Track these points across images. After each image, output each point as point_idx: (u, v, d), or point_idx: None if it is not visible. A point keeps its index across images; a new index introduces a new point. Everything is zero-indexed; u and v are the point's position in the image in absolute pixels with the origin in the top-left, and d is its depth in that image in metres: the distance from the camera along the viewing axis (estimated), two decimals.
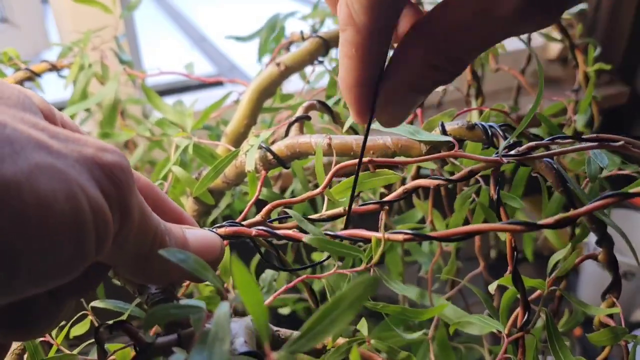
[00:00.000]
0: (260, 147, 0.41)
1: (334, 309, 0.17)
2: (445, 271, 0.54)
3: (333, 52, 0.60)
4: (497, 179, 0.31)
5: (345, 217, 0.32)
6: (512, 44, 1.17)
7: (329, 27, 0.69)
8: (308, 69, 0.59)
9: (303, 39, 0.60)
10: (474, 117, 0.54)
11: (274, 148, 0.41)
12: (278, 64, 0.54)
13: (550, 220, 0.24)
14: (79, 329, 0.38)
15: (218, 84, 1.02)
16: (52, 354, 0.34)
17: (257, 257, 0.66)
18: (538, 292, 0.37)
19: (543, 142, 0.32)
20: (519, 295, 0.33)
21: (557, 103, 0.65)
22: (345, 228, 0.31)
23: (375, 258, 0.26)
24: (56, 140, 0.21)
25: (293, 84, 0.63)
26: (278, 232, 0.29)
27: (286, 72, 0.55)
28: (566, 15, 0.65)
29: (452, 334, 0.36)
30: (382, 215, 0.34)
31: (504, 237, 0.65)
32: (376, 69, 0.28)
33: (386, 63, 0.28)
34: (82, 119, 0.69)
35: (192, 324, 0.21)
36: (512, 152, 0.32)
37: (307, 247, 0.69)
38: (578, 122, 0.62)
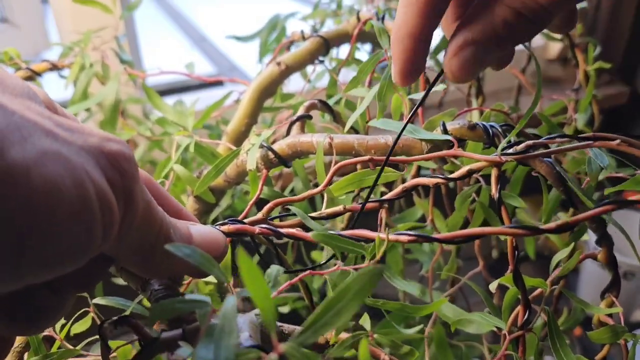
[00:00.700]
0: (261, 146, 0.41)
1: (338, 301, 0.17)
2: (445, 270, 0.55)
3: (333, 52, 0.60)
4: (498, 178, 0.32)
5: (344, 216, 0.32)
6: None
7: (329, 27, 0.69)
8: (309, 69, 0.60)
9: (304, 38, 0.60)
10: (475, 117, 0.54)
11: (275, 147, 0.41)
12: (279, 64, 0.54)
13: (552, 225, 0.25)
14: (80, 327, 0.38)
15: (218, 83, 1.02)
16: (54, 349, 0.34)
17: (257, 256, 0.66)
18: (538, 290, 0.37)
19: (540, 140, 0.32)
20: (519, 296, 0.33)
21: (557, 102, 0.65)
22: (352, 226, 0.31)
23: (378, 255, 0.26)
24: (61, 129, 0.21)
25: (294, 84, 0.63)
26: (281, 230, 0.29)
27: (287, 72, 0.55)
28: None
29: (453, 331, 0.36)
30: (383, 214, 0.34)
31: (505, 236, 0.65)
32: (435, 21, 0.27)
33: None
34: (83, 119, 0.69)
35: (197, 318, 0.21)
36: (511, 151, 0.32)
37: (307, 246, 0.69)
38: (578, 121, 0.62)
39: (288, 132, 0.42)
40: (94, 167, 0.21)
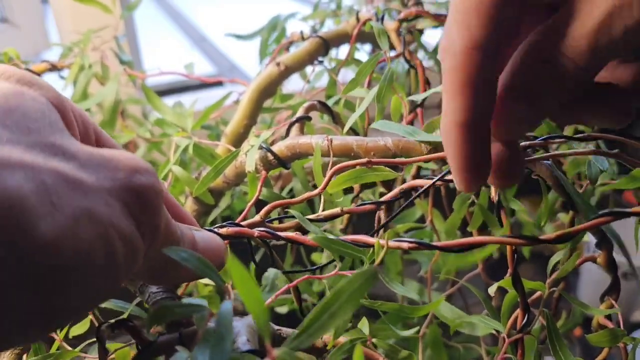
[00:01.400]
0: (260, 148, 0.41)
1: (332, 304, 0.17)
2: (444, 271, 0.55)
3: (333, 52, 0.60)
4: None
5: (343, 217, 0.32)
6: None
7: (329, 27, 0.69)
8: (308, 69, 0.60)
9: (303, 39, 0.60)
10: None
11: (274, 148, 0.41)
12: (278, 64, 0.54)
13: (551, 235, 0.25)
14: (79, 329, 0.38)
15: (218, 84, 1.02)
16: (53, 350, 0.34)
17: (257, 256, 0.66)
18: (538, 293, 0.37)
19: (536, 142, 0.32)
20: (518, 299, 0.33)
21: None
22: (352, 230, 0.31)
23: (378, 260, 0.26)
24: (87, 171, 0.21)
25: (293, 84, 0.63)
26: (279, 233, 0.29)
27: (286, 72, 0.55)
28: None
29: (452, 334, 0.36)
30: (381, 215, 0.34)
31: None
32: (486, 103, 0.24)
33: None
34: None
35: (195, 322, 0.21)
36: None
37: (307, 249, 0.69)
38: None
39: (287, 134, 0.42)
40: (122, 215, 0.21)
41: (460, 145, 0.25)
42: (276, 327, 0.31)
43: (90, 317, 0.37)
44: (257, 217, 0.30)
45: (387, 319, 0.38)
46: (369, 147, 0.37)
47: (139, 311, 0.29)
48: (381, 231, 0.43)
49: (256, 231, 0.29)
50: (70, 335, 0.37)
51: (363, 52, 0.68)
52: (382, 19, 0.52)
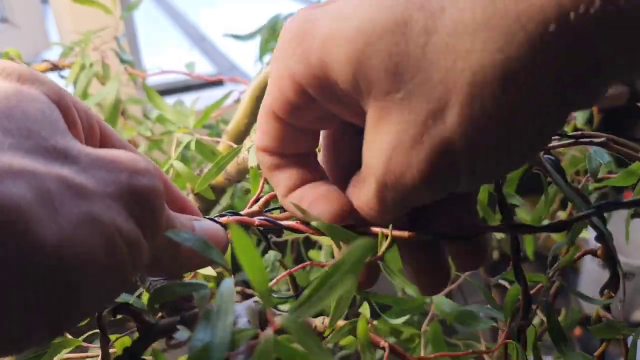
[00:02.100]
0: None
1: (332, 275, 0.18)
2: None
3: None
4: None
5: None
6: None
7: None
8: None
9: None
10: None
11: None
12: None
13: (548, 223, 0.25)
14: None
15: (219, 83, 1.02)
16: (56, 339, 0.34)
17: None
18: (538, 287, 0.37)
19: None
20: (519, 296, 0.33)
21: None
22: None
23: (381, 251, 0.26)
24: (88, 173, 0.21)
25: None
26: (281, 222, 0.29)
27: None
28: None
29: (449, 325, 0.36)
30: None
31: (503, 236, 0.65)
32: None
33: None
34: None
35: (196, 301, 0.21)
36: None
37: (306, 246, 0.69)
38: (577, 120, 0.63)
39: None
40: (124, 217, 0.21)
41: None
42: (277, 312, 0.31)
43: None
44: (256, 207, 0.30)
45: (387, 315, 0.38)
46: None
47: (141, 303, 0.29)
48: None
49: (257, 220, 0.29)
50: None
51: None
52: None
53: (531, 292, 0.37)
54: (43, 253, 0.18)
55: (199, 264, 0.27)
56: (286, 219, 0.29)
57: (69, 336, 0.32)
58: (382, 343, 0.30)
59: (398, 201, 0.24)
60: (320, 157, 0.30)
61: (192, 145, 0.47)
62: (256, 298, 0.27)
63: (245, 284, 0.43)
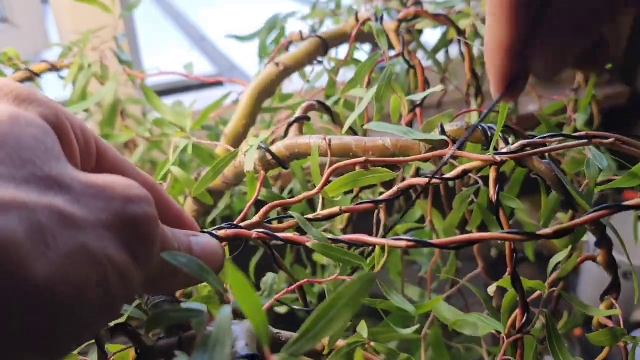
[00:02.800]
0: (259, 148, 0.41)
1: (331, 309, 0.17)
2: (444, 272, 0.54)
3: (332, 52, 0.60)
4: (497, 181, 0.31)
5: (343, 215, 0.32)
6: None
7: (328, 27, 0.69)
8: (307, 69, 0.59)
9: (302, 39, 0.60)
10: (474, 118, 0.54)
11: (273, 149, 0.41)
12: (277, 64, 0.54)
13: (549, 230, 0.25)
14: None
15: (218, 84, 1.02)
16: None
17: (257, 256, 0.66)
18: (538, 292, 0.37)
19: (535, 140, 0.32)
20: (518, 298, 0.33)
21: (556, 102, 0.65)
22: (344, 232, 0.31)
23: (378, 267, 0.26)
24: (81, 202, 0.20)
25: (292, 84, 0.63)
26: (279, 234, 0.29)
27: (285, 72, 0.55)
28: None
29: (451, 332, 0.36)
30: (381, 215, 0.34)
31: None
32: (525, 28, 0.25)
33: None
34: (82, 120, 0.69)
35: (193, 327, 0.21)
36: (505, 151, 0.32)
37: (307, 247, 0.69)
38: (578, 121, 0.62)
39: (286, 134, 0.42)
40: (117, 247, 0.21)
41: (500, 67, 0.26)
42: (275, 331, 0.30)
43: None
44: (255, 218, 0.30)
45: (389, 319, 0.38)
46: (368, 146, 0.37)
47: (139, 314, 0.29)
48: (380, 231, 0.43)
49: (254, 233, 0.29)
50: None
51: (362, 52, 0.68)
52: (382, 19, 0.51)
53: (531, 297, 0.37)
54: (33, 288, 0.18)
55: (195, 282, 0.27)
56: (285, 230, 0.29)
57: None
58: None
59: None
60: None
61: (189, 149, 0.47)
62: None
63: None
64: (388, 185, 0.47)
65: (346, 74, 0.59)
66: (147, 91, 0.58)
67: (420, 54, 0.57)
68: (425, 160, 0.34)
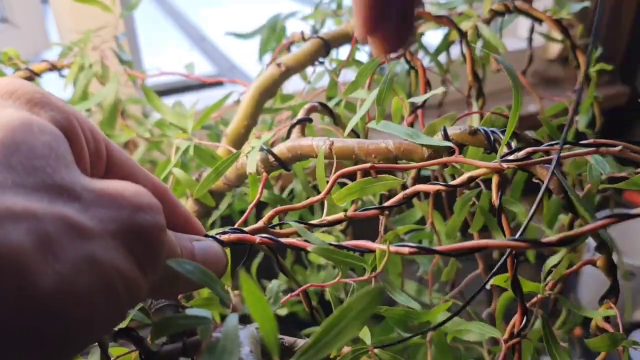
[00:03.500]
0: (261, 149, 0.41)
1: (340, 321, 0.17)
2: (445, 273, 0.55)
3: (333, 53, 0.60)
4: (499, 186, 0.31)
5: (345, 223, 0.32)
6: (513, 44, 1.17)
7: (329, 27, 0.69)
8: (309, 70, 0.59)
9: (304, 39, 0.60)
10: (475, 121, 0.54)
11: (275, 150, 0.41)
12: (279, 65, 0.54)
13: (553, 238, 0.25)
14: None
15: (219, 84, 1.02)
16: None
17: (258, 259, 0.66)
18: (538, 297, 0.37)
19: (542, 147, 0.32)
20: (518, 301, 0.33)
21: (558, 103, 0.65)
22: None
23: (379, 269, 0.26)
24: (90, 211, 0.20)
25: (294, 85, 0.63)
26: (282, 240, 0.29)
27: (287, 73, 0.55)
28: (567, 15, 0.65)
29: (450, 342, 0.36)
30: (382, 220, 0.34)
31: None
32: None
33: None
34: None
35: (198, 334, 0.21)
36: (512, 158, 0.32)
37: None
38: (580, 122, 0.62)
39: (288, 135, 0.42)
40: (124, 256, 0.21)
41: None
42: (279, 337, 0.31)
43: None
44: (260, 223, 0.30)
45: (392, 322, 0.38)
46: (370, 149, 0.37)
47: (141, 316, 0.29)
48: (381, 233, 0.43)
49: (258, 238, 0.29)
50: None
51: (364, 53, 0.68)
52: None
53: (531, 301, 0.37)
54: (40, 299, 0.18)
55: (198, 287, 0.27)
56: (288, 235, 0.29)
57: None
58: None
59: None
60: None
61: (191, 151, 0.47)
62: (258, 324, 0.26)
63: None
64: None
65: (347, 75, 0.59)
66: (147, 91, 0.58)
67: (421, 55, 0.57)
68: (430, 166, 0.34)
